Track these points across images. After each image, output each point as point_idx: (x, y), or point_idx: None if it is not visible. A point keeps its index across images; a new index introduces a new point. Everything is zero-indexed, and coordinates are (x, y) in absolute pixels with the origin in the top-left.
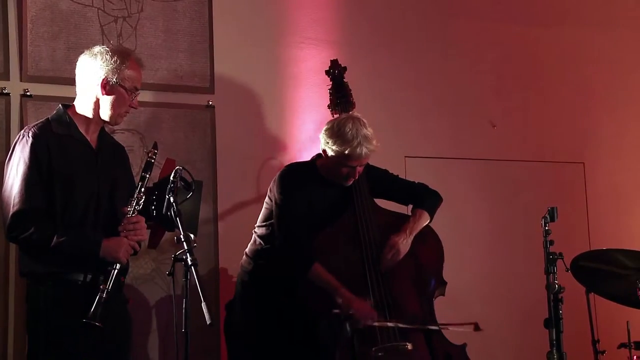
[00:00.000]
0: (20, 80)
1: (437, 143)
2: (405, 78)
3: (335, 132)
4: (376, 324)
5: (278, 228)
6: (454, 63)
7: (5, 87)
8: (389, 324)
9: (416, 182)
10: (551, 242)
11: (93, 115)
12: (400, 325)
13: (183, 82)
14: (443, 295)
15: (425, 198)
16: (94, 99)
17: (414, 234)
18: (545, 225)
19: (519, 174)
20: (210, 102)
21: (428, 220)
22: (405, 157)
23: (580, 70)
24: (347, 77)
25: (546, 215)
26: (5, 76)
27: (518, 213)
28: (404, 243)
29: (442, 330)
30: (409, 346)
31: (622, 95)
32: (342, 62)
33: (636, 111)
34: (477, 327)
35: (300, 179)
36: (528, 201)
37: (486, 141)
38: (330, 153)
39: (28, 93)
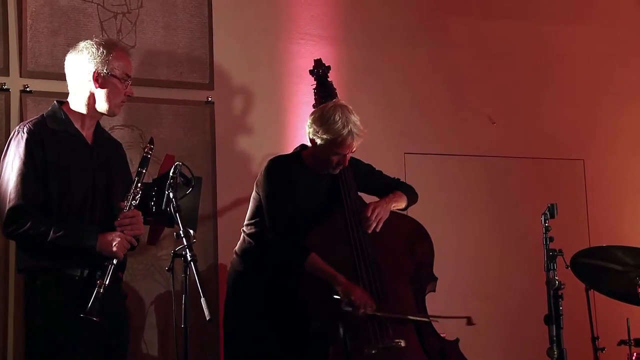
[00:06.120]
0: (20, 76)
1: (437, 140)
2: (404, 74)
3: (325, 120)
4: (376, 313)
5: (269, 222)
6: (454, 59)
7: (4, 83)
8: (386, 315)
9: (395, 178)
10: (551, 239)
11: (87, 110)
12: (396, 315)
13: (182, 78)
14: (434, 291)
15: (405, 186)
16: (88, 94)
17: (391, 204)
18: (545, 222)
19: (519, 171)
20: (210, 98)
21: (405, 203)
22: (405, 153)
23: (581, 66)
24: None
25: (546, 211)
26: (5, 72)
27: (518, 210)
28: (384, 207)
29: (435, 326)
30: (402, 343)
31: (622, 92)
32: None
33: (637, 108)
34: (469, 322)
35: (287, 171)
36: (528, 198)
37: (485, 138)
38: (319, 142)
39: (28, 89)
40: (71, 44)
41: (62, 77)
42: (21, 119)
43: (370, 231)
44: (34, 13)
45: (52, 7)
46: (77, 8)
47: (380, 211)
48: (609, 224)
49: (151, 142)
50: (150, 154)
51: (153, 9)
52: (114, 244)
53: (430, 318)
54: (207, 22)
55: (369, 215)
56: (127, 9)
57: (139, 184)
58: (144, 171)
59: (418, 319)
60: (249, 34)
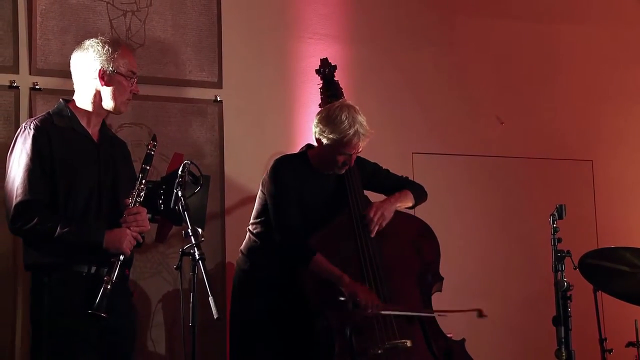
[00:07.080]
0: (30, 74)
1: (445, 139)
2: (411, 74)
3: (332, 120)
4: (382, 312)
5: (275, 220)
6: (463, 59)
7: (14, 80)
8: (394, 313)
9: (403, 176)
10: (559, 240)
11: (93, 108)
12: (404, 312)
13: (191, 77)
14: (440, 291)
15: (412, 185)
16: (94, 92)
17: (396, 204)
18: (553, 223)
19: (527, 171)
20: (218, 97)
21: (412, 202)
22: (413, 153)
23: (589, 66)
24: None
25: (554, 212)
26: (15, 69)
27: (526, 210)
28: (388, 208)
29: (441, 326)
30: (408, 343)
31: (630, 93)
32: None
33: None
34: (480, 314)
35: (293, 170)
36: (536, 198)
37: (494, 138)
38: (325, 142)
39: (37, 86)
40: (81, 42)
41: (71, 75)
42: (30, 117)
43: (373, 235)
44: (43, 11)
45: (61, 5)
46: (86, 6)
47: (383, 212)
48: (617, 225)
49: (154, 138)
50: (154, 151)
51: (162, 8)
52: (121, 240)
53: (440, 313)
54: (216, 20)
55: (372, 216)
56: (136, 7)
57: (143, 181)
58: (148, 168)
59: (428, 314)
60: (257, 32)
